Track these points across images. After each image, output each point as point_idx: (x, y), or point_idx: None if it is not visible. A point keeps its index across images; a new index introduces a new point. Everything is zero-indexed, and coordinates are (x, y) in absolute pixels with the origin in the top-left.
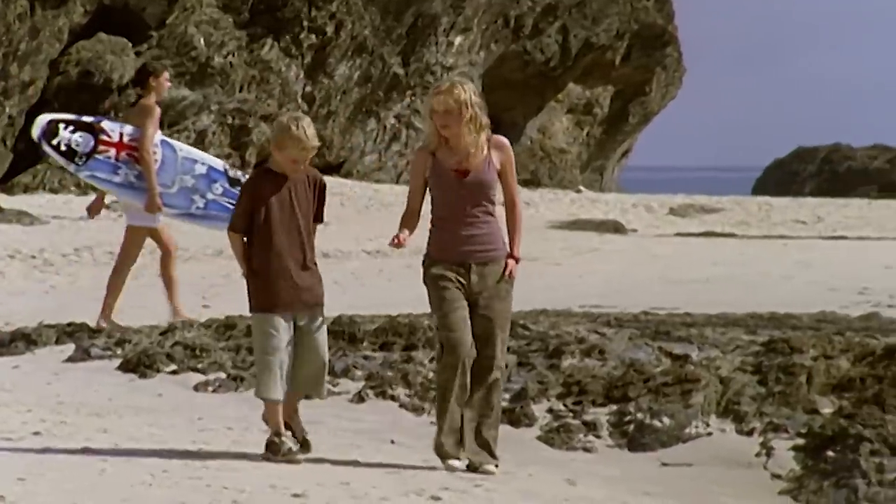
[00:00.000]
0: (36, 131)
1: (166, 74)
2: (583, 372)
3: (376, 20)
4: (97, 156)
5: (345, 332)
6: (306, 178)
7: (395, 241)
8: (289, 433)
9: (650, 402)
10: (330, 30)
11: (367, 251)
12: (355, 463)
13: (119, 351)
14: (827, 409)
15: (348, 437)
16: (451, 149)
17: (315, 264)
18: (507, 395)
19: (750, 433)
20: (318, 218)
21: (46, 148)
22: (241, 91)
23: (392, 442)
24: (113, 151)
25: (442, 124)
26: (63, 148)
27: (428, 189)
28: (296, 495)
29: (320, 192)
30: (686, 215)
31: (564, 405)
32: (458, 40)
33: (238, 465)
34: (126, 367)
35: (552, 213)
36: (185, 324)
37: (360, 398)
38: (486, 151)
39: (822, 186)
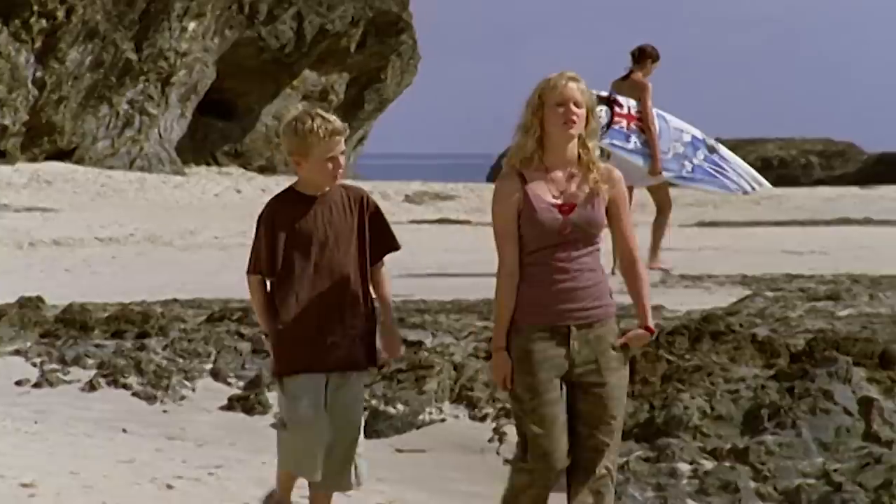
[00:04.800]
0: None
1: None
2: None
3: (108, 5)
4: (614, 126)
5: (76, 320)
6: (345, 199)
7: (504, 383)
8: None
9: (384, 388)
10: (61, 14)
11: (99, 238)
12: (86, 452)
13: None
14: None
15: (80, 426)
16: (545, 171)
17: (365, 313)
18: (241, 383)
19: (483, 419)
20: (380, 249)
21: None
22: None
23: (124, 431)
24: (625, 122)
25: (566, 120)
26: None
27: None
28: (24, 485)
29: (372, 215)
30: (421, 202)
31: None
32: (191, 26)
33: None
34: None
35: None
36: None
37: (91, 387)
38: (595, 179)
39: None
